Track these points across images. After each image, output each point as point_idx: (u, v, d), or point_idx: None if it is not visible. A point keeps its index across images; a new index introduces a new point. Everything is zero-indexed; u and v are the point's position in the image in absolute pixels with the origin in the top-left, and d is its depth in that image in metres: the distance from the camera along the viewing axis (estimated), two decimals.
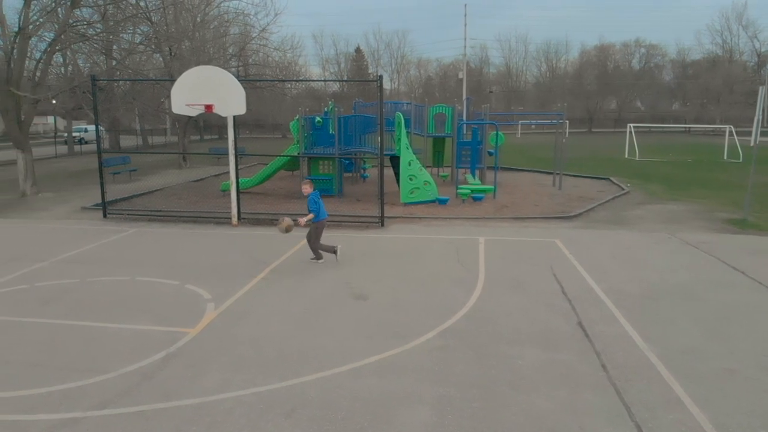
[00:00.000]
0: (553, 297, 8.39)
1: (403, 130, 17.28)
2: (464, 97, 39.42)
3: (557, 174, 20.52)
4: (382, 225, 13.76)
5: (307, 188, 10.34)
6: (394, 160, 18.37)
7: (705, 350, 6.53)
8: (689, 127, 66.57)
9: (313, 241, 10.37)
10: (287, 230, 10.14)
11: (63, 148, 41.23)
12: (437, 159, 23.99)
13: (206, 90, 13.50)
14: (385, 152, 14.85)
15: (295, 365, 6.15)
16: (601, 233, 12.89)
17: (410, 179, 16.83)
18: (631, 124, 36.25)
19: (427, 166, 19.72)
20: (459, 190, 17.48)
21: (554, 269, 9.86)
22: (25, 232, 13.48)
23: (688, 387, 5.64)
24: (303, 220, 10.15)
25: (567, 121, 23.01)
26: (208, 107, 13.68)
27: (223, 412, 5.23)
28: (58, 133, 49.94)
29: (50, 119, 67.24)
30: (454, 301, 8.18)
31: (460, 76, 67.52)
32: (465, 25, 69.00)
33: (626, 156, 33.96)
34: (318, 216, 10.16)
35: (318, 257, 10.42)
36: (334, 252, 10.38)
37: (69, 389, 5.65)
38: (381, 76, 14.20)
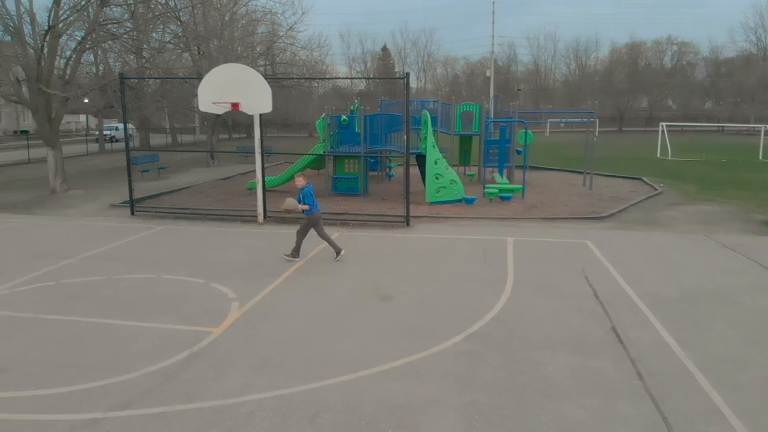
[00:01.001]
0: (585, 300, 8.12)
1: (430, 129, 17.06)
2: (491, 95, 38.99)
3: (588, 173, 20.09)
4: (408, 224, 13.58)
5: (300, 180, 10.38)
6: (420, 159, 18.18)
7: (745, 358, 6.23)
8: (722, 127, 64.97)
9: (301, 232, 10.41)
10: (289, 208, 10.27)
11: (94, 146, 41.88)
12: (464, 157, 23.70)
13: (232, 88, 13.48)
14: (411, 151, 14.67)
15: (319, 368, 6.02)
16: (634, 235, 12.53)
17: (436, 178, 16.61)
18: (664, 123, 35.44)
19: (454, 165, 19.47)
20: (486, 190, 17.21)
21: (586, 271, 9.58)
22: (53, 229, 13.62)
23: (728, 397, 5.38)
24: (300, 206, 10.21)
25: (597, 120, 22.54)
26: (235, 105, 13.67)
27: (245, 415, 5.12)
28: (90, 131, 50.81)
29: (82, 117, 68.53)
30: (481, 304, 7.97)
31: (488, 74, 66.85)
32: (493, 22, 68.35)
33: (658, 155, 33.23)
34: (312, 208, 10.18)
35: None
36: (295, 255, 10.41)
37: (91, 389, 5.60)
38: (408, 74, 14.02)
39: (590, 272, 9.54)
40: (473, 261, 10.36)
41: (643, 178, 21.80)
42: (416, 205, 15.49)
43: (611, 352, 6.40)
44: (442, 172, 16.65)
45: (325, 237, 10.47)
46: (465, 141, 23.50)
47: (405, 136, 13.92)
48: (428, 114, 17.49)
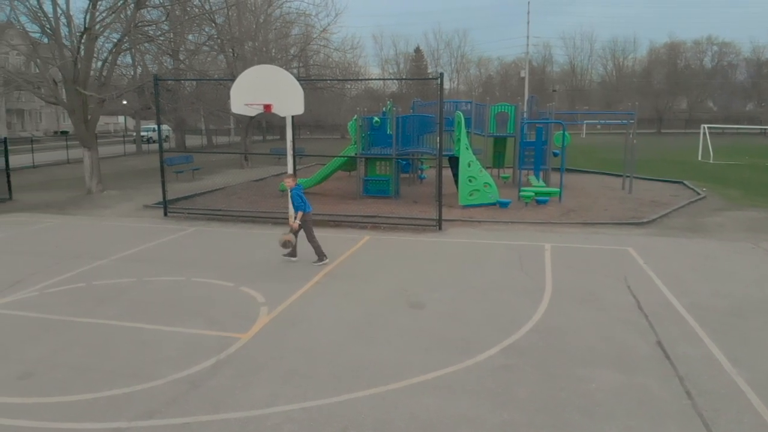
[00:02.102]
0: (629, 312, 7.73)
1: (463, 130, 16.75)
2: (526, 96, 38.40)
3: (627, 177, 19.49)
4: (440, 228, 13.29)
5: (289, 182, 10.18)
6: (453, 161, 17.87)
7: None
8: (765, 129, 62.92)
9: (310, 237, 10.17)
10: (287, 242, 9.99)
11: (132, 147, 42.61)
12: (498, 160, 23.28)
13: (265, 89, 13.37)
14: (443, 153, 14.37)
15: (348, 379, 5.80)
16: (678, 241, 12.01)
17: (470, 181, 16.28)
18: (705, 125, 34.33)
19: (487, 167, 19.10)
20: (522, 193, 16.81)
21: (628, 280, 9.15)
22: (87, 230, 13.72)
23: None
24: (296, 222, 9.97)
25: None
26: (267, 107, 13.56)
27: (271, 428, 4.93)
28: (128, 133, 51.75)
29: (121, 119, 69.99)
30: (518, 314, 7.64)
31: (522, 74, 66.11)
32: (528, 22, 67.63)
33: (699, 158, 32.22)
34: (305, 209, 10.02)
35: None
36: (322, 257, 10.21)
37: (116, 396, 5.48)
38: (442, 74, 13.72)
39: (633, 281, 9.11)
40: (509, 268, 10.02)
41: (685, 182, 21.07)
42: (449, 209, 15.18)
43: (658, 368, 6.03)
44: (476, 175, 16.32)
45: (295, 237, 10.28)
46: (499, 143, 23.09)
47: (438, 138, 13.63)
48: (461, 115, 17.17)
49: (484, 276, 9.51)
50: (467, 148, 16.55)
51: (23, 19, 18.69)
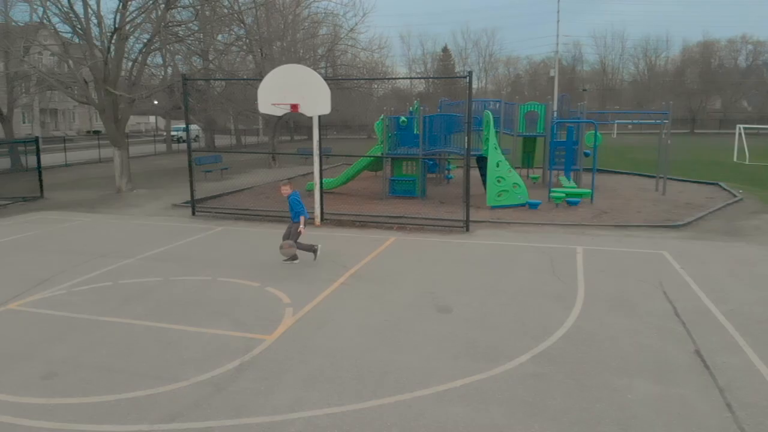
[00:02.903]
0: (665, 319, 7.43)
1: (492, 130, 16.48)
2: (555, 95, 37.83)
3: (660, 178, 19.00)
4: (467, 230, 13.08)
5: (287, 189, 10.16)
6: (481, 161, 17.61)
7: None
8: None
9: (295, 238, 10.14)
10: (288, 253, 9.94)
11: (162, 147, 43.16)
12: (527, 160, 22.92)
13: (292, 89, 13.34)
14: (471, 152, 14.14)
15: (373, 385, 5.65)
16: (715, 245, 11.60)
17: (498, 181, 16.01)
18: (741, 126, 33.38)
19: (516, 168, 18.79)
20: (552, 194, 16.48)
21: (664, 286, 8.83)
22: (116, 228, 13.82)
23: None
24: (302, 227, 9.97)
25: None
26: (294, 107, 13.52)
27: None
28: (159, 132, 52.48)
29: (152, 119, 71.07)
30: (549, 320, 7.40)
31: (552, 74, 65.29)
32: (557, 21, 66.71)
33: (735, 159, 31.34)
34: (304, 213, 10.04)
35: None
36: (314, 251, 10.30)
37: (138, 398, 5.42)
38: (471, 72, 13.47)
39: (669, 286, 8.78)
40: (539, 271, 9.76)
41: (720, 184, 20.46)
42: (476, 210, 14.95)
43: (696, 379, 5.75)
44: (505, 175, 16.04)
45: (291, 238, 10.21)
46: (528, 142, 22.74)
47: (466, 137, 13.41)
48: (490, 114, 16.91)
49: (513, 279, 9.28)
50: (496, 148, 16.29)
51: (55, 19, 18.99)
